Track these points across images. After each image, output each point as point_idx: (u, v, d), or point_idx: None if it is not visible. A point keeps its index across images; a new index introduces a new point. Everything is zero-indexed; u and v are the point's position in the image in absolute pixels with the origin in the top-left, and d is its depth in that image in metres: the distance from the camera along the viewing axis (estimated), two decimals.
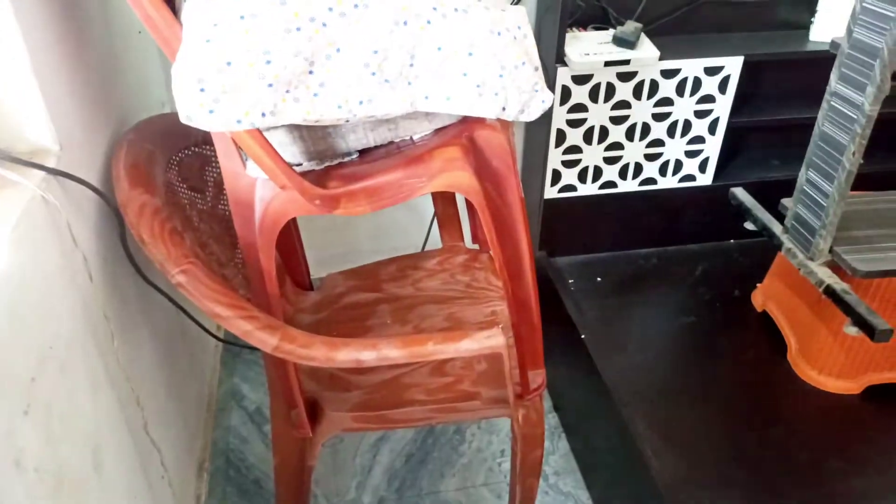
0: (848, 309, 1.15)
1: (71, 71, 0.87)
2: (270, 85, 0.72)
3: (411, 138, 0.95)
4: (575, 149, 1.58)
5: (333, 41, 0.74)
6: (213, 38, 0.69)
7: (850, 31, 1.11)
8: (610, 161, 1.62)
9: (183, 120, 0.70)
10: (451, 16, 0.79)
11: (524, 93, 0.85)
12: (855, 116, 1.11)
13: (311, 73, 0.74)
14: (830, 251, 1.22)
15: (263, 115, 0.72)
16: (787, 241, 1.30)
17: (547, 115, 1.52)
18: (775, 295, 1.46)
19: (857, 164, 1.14)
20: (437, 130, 0.96)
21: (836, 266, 1.22)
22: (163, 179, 1.00)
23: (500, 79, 0.83)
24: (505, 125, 0.96)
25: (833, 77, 1.15)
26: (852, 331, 1.15)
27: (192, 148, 1.11)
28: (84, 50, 0.94)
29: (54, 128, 0.79)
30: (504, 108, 0.85)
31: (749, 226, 1.40)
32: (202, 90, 0.69)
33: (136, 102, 1.18)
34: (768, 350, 1.42)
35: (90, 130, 0.92)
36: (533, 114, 0.88)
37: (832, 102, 1.16)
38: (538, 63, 0.86)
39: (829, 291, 1.18)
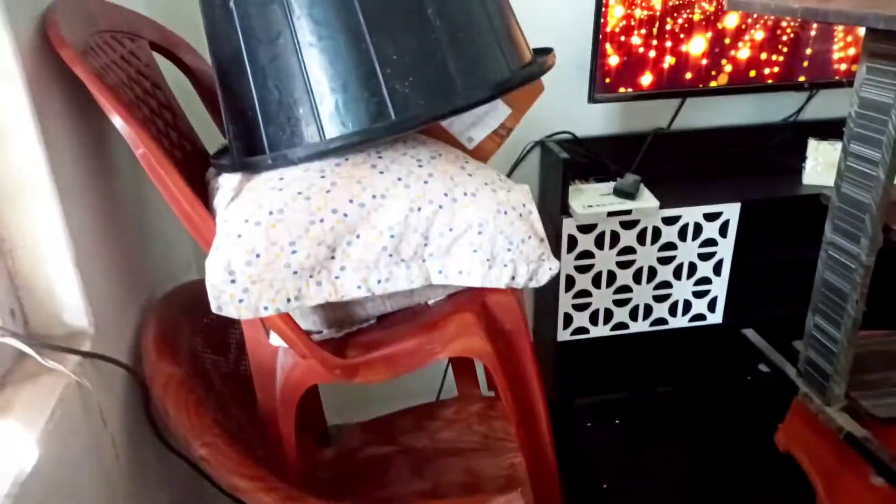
0: (871, 457, 1.13)
1: (107, 253, 0.94)
2: (295, 272, 0.77)
3: (426, 303, 1.00)
4: (585, 293, 1.62)
5: (353, 229, 0.80)
6: (243, 232, 0.76)
7: (837, 187, 1.17)
8: (620, 303, 1.65)
9: (213, 310, 0.75)
10: (461, 199, 0.86)
11: (532, 263, 0.90)
12: (854, 266, 1.15)
13: (332, 258, 0.80)
14: (847, 396, 1.22)
15: (288, 300, 0.77)
16: (802, 386, 1.30)
17: None
18: (797, 437, 1.44)
19: (862, 311, 1.16)
20: (451, 295, 1.00)
21: (855, 410, 1.21)
22: (188, 347, 1.04)
23: (509, 252, 0.88)
24: (515, 289, 1.01)
25: (828, 228, 1.20)
26: (878, 481, 1.13)
27: (216, 314, 1.15)
28: (119, 229, 1.01)
29: (91, 311, 0.84)
30: (514, 278, 0.90)
31: (763, 368, 1.41)
32: (232, 281, 0.74)
33: (165, 267, 1.25)
34: (797, 496, 1.38)
35: (122, 307, 0.98)
36: (541, 281, 0.93)
37: (830, 252, 1.20)
38: (543, 235, 0.92)
39: (850, 439, 1.17)
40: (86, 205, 0.87)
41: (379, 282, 0.83)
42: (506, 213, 0.87)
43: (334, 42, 0.79)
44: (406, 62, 0.80)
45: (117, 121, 0.77)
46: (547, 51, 1.02)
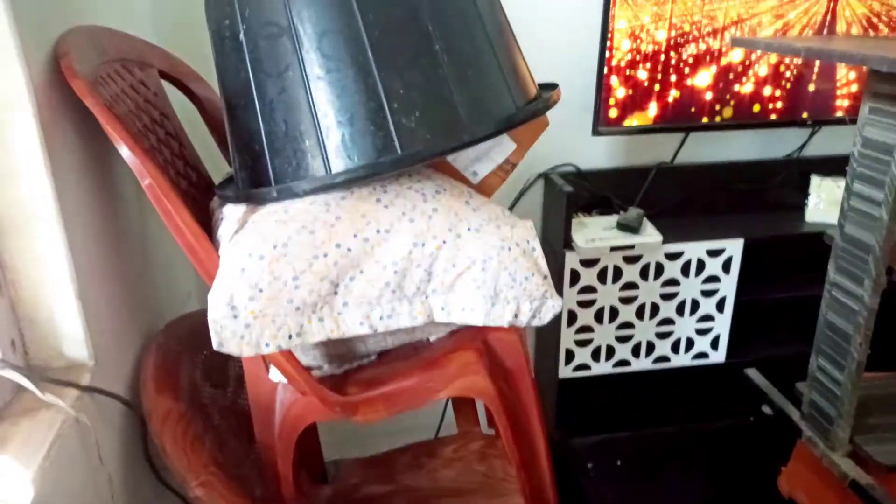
0: None
1: (109, 283, 0.93)
2: (298, 308, 0.76)
3: (428, 339, 0.99)
4: (587, 328, 1.61)
5: (357, 264, 0.80)
6: (247, 266, 0.75)
7: (841, 226, 1.17)
8: (622, 340, 1.64)
9: (215, 346, 0.74)
10: (465, 235, 0.85)
11: (535, 300, 0.90)
12: (857, 308, 1.14)
13: (335, 293, 0.79)
14: (851, 441, 1.20)
15: (290, 337, 0.76)
16: (806, 430, 1.28)
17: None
18: (802, 482, 1.41)
19: (866, 354, 1.15)
20: (453, 332, 0.99)
21: (860, 456, 1.20)
22: (187, 380, 1.03)
23: (512, 289, 0.87)
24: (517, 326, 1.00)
25: (831, 268, 1.20)
26: None
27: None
28: (122, 259, 1.01)
29: (91, 343, 0.83)
30: (516, 316, 0.89)
31: (766, 409, 1.39)
32: (234, 317, 0.74)
33: (166, 296, 1.24)
34: None
35: (123, 337, 0.97)
36: (545, 319, 0.92)
37: (833, 293, 1.20)
38: (547, 272, 0.91)
39: (855, 486, 1.15)
40: (90, 235, 0.87)
41: (381, 318, 0.82)
42: (509, 249, 0.87)
43: (342, 76, 0.79)
44: (413, 97, 0.80)
45: (125, 151, 0.77)
46: (552, 86, 1.02)
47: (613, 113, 1.52)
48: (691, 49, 1.48)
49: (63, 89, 0.80)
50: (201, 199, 1.03)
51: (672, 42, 1.47)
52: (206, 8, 0.87)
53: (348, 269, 0.79)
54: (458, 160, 1.01)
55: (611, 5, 1.41)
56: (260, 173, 0.86)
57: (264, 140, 0.85)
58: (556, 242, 1.56)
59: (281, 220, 0.80)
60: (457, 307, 0.86)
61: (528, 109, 0.87)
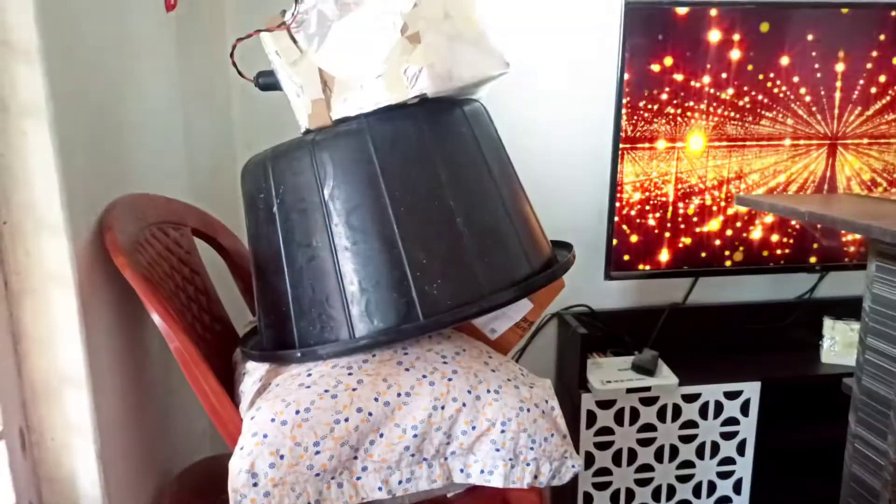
0: None
1: (129, 440, 0.94)
2: (318, 474, 0.77)
3: (445, 496, 0.98)
4: (605, 471, 1.58)
5: (377, 428, 0.81)
6: (270, 432, 0.77)
7: (858, 378, 1.17)
8: (642, 483, 1.60)
9: None
10: (484, 396, 0.86)
11: (555, 461, 0.89)
12: (883, 463, 1.12)
13: (355, 458, 0.80)
14: None
15: None
16: None
17: (574, 438, 1.54)
18: None
19: None
20: (471, 488, 0.98)
21: None
22: None
23: (532, 451, 0.87)
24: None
25: (852, 420, 1.19)
26: None
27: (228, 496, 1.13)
28: (144, 414, 1.02)
29: (107, 502, 0.83)
30: (536, 477, 0.89)
31: None
32: (255, 484, 0.74)
33: (181, 440, 1.24)
34: None
35: (137, 491, 0.97)
36: (564, 479, 0.91)
37: (856, 445, 1.18)
38: (566, 431, 0.92)
39: None
40: (116, 396, 0.89)
41: (400, 482, 0.82)
42: (528, 410, 0.88)
43: (368, 247, 0.84)
44: (435, 266, 0.84)
45: (156, 318, 0.80)
46: (567, 246, 1.07)
47: (625, 258, 1.57)
48: (698, 200, 1.55)
49: (104, 257, 0.85)
50: (225, 350, 1.06)
51: (679, 194, 1.54)
52: (242, 180, 0.93)
53: (369, 433, 0.80)
54: (478, 319, 1.03)
55: (618, 162, 1.49)
56: (285, 333, 0.89)
57: (291, 303, 0.88)
58: (571, 384, 1.56)
59: (304, 384, 0.82)
60: (476, 469, 0.86)
61: (546, 275, 0.91)
